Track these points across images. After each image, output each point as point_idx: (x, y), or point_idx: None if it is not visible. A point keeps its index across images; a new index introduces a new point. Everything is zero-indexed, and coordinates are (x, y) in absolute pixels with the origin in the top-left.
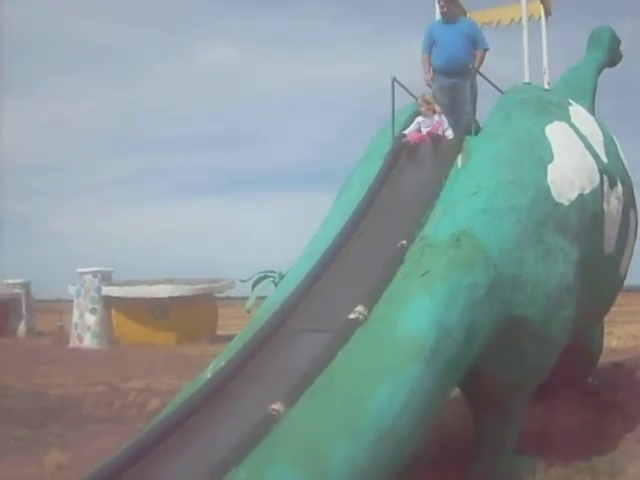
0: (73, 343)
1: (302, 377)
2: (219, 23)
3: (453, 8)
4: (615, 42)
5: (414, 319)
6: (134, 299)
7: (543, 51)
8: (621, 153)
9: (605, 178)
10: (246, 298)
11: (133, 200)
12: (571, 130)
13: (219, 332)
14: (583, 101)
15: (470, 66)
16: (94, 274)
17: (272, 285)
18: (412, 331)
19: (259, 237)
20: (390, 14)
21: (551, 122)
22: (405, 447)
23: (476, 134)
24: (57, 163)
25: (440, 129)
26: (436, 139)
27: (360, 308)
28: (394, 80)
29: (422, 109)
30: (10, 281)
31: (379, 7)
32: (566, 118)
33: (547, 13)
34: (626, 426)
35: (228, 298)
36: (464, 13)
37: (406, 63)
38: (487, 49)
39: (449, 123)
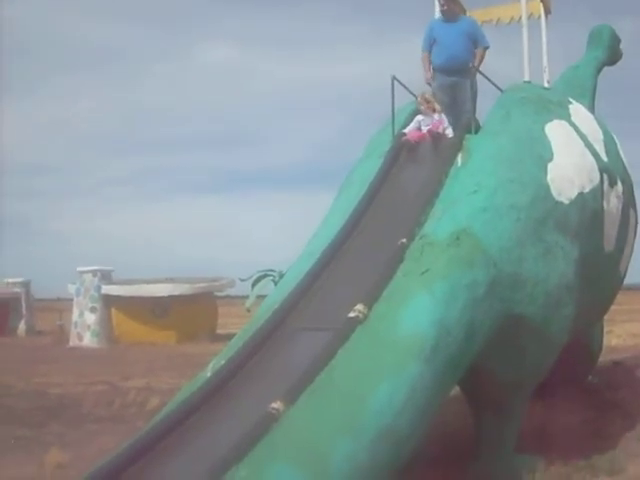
0: (73, 342)
1: (302, 376)
2: (219, 23)
3: (453, 6)
4: (615, 41)
5: (414, 317)
6: (134, 298)
7: (543, 49)
8: (621, 152)
9: (605, 177)
10: (246, 297)
11: (133, 200)
12: (571, 129)
13: (219, 331)
14: (583, 99)
15: (470, 64)
16: (94, 273)
17: (272, 284)
18: (412, 329)
19: (259, 236)
20: (390, 14)
21: (551, 121)
22: (405, 445)
23: (476, 132)
24: (57, 163)
25: (440, 127)
26: (436, 137)
27: (360, 306)
28: (394, 78)
29: (422, 108)
30: (10, 280)
31: (379, 7)
32: (566, 117)
33: (547, 11)
34: (626, 425)
35: (228, 297)
36: (464, 11)
37: (406, 62)
38: (487, 47)
39: (449, 121)
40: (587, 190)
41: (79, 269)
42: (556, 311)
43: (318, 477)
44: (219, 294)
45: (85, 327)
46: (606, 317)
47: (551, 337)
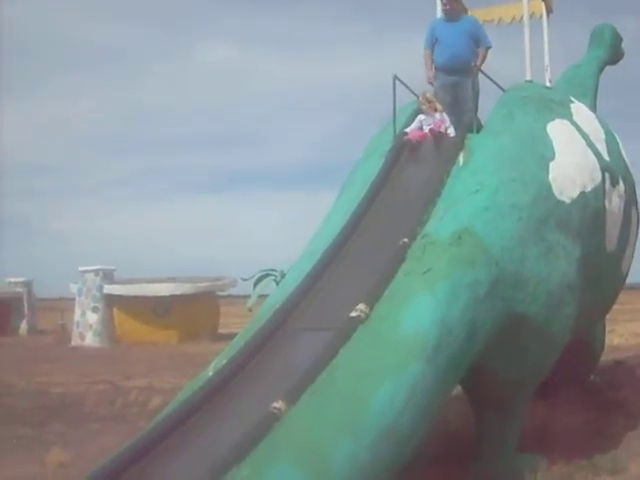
0: (75, 341)
1: (303, 375)
2: (219, 23)
3: (455, 6)
4: (617, 40)
5: (416, 317)
6: (136, 297)
7: (545, 49)
8: (623, 151)
9: (607, 176)
10: (248, 296)
11: (133, 200)
12: (573, 128)
13: (221, 330)
14: (585, 99)
15: (472, 64)
16: (96, 272)
17: (274, 283)
18: (414, 329)
19: (259, 236)
20: (390, 14)
21: (553, 120)
22: (407, 445)
23: (478, 132)
24: (57, 163)
25: (442, 127)
26: (438, 137)
27: (362, 306)
28: (395, 78)
29: (423, 107)
30: (12, 280)
31: (379, 7)
32: (568, 116)
33: (549, 11)
34: (628, 424)
35: (230, 296)
36: (466, 11)
37: (406, 62)
38: (489, 47)
39: (451, 121)
40: (589, 189)
41: (81, 269)
42: (558, 310)
43: (319, 477)
44: (221, 293)
45: (87, 326)
46: (608, 316)
47: (553, 336)
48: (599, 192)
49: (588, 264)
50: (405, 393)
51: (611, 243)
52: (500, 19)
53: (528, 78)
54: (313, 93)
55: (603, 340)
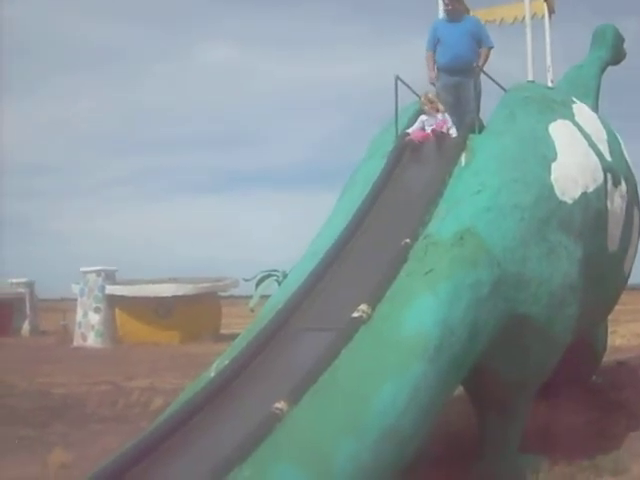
0: (77, 342)
1: (306, 376)
2: (219, 23)
3: (458, 6)
4: (619, 40)
5: (418, 317)
6: (138, 298)
7: (547, 49)
8: (625, 151)
9: (609, 176)
10: (250, 297)
11: (133, 200)
12: (575, 128)
13: (223, 331)
14: (587, 99)
15: (474, 64)
16: (98, 273)
17: (275, 284)
18: (416, 329)
19: (259, 236)
20: (390, 14)
21: (555, 120)
22: (409, 445)
23: (480, 132)
24: (57, 163)
25: (444, 127)
26: (440, 137)
27: (364, 307)
28: (397, 78)
29: (425, 108)
30: (14, 280)
31: (379, 7)
32: (570, 116)
33: (551, 11)
34: (630, 425)
35: (232, 297)
36: (467, 11)
37: (406, 62)
38: (492, 47)
39: (453, 121)
40: (591, 190)
41: (83, 269)
42: (560, 311)
43: (321, 477)
44: (223, 294)
45: (89, 327)
46: (610, 317)
47: (555, 337)
48: (601, 192)
49: (590, 265)
50: (407, 393)
51: (613, 244)
52: (502, 19)
53: (530, 78)
54: (313, 93)
55: (605, 341)
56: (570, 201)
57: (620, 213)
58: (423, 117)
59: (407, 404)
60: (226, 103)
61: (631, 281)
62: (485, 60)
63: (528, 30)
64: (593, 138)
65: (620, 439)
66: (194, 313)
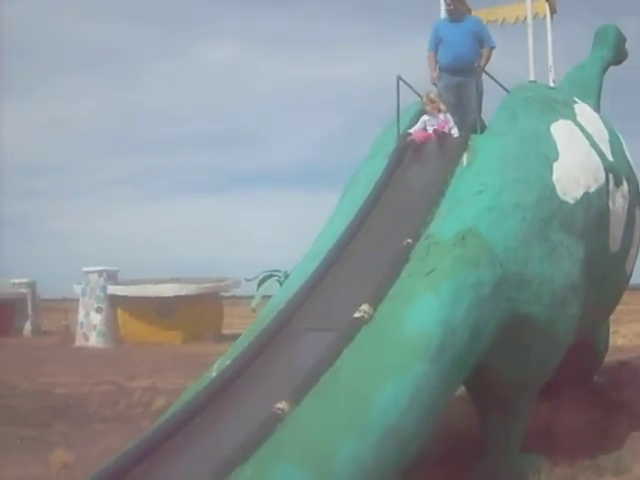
0: (79, 342)
1: (307, 376)
2: (219, 23)
3: (459, 6)
4: (620, 40)
5: (420, 317)
6: (140, 298)
7: (548, 49)
8: (626, 151)
9: (610, 176)
10: (251, 297)
11: (133, 200)
12: (576, 128)
13: (225, 331)
14: (588, 99)
15: (476, 64)
16: (99, 273)
17: (277, 284)
18: (418, 329)
19: (259, 236)
20: (390, 14)
21: (556, 120)
22: (411, 445)
23: (482, 132)
24: (57, 163)
25: (446, 127)
26: (441, 137)
27: (365, 307)
28: (399, 78)
29: (427, 108)
30: (16, 281)
31: (379, 7)
32: (571, 116)
33: (552, 11)
34: (632, 425)
35: (234, 297)
36: (469, 11)
37: (407, 62)
38: (493, 47)
39: (455, 121)
40: (593, 190)
41: (85, 269)
42: (562, 311)
43: (323, 477)
44: (225, 294)
45: (91, 327)
46: (612, 317)
47: (557, 337)
48: (603, 192)
49: (592, 264)
50: (409, 393)
51: (615, 243)
52: (504, 19)
53: (532, 78)
54: (313, 93)
55: (607, 341)
56: (572, 201)
57: (622, 213)
58: (425, 117)
59: (409, 404)
60: (226, 103)
61: (633, 281)
62: (487, 60)
63: (530, 30)
64: (595, 138)
65: (622, 439)
66: (196, 313)
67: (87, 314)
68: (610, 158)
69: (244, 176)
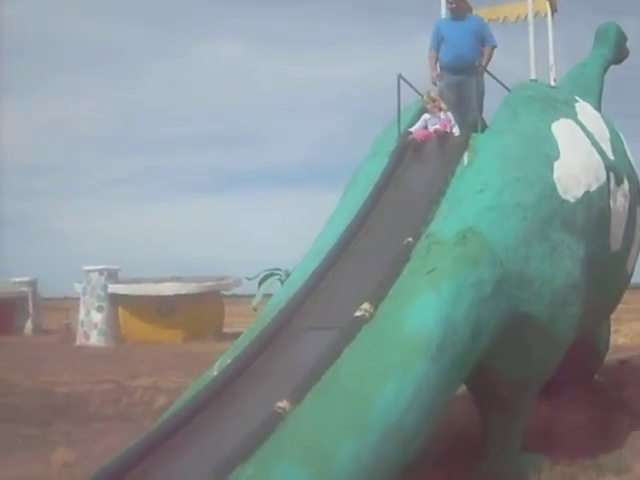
0: (80, 341)
1: (308, 375)
2: (219, 23)
3: (461, 5)
4: (621, 38)
5: (420, 316)
6: (140, 297)
7: (549, 48)
8: (627, 150)
9: (611, 175)
10: (252, 296)
11: (133, 200)
12: (577, 127)
13: (226, 330)
14: (589, 98)
15: (477, 63)
16: (100, 272)
17: (278, 283)
18: (418, 328)
19: (259, 236)
20: (390, 14)
21: (557, 119)
22: (411, 444)
23: (482, 131)
24: (57, 163)
25: (447, 126)
26: (442, 136)
27: (366, 305)
28: (400, 77)
29: (428, 106)
30: (17, 279)
31: (379, 7)
32: (572, 115)
33: (553, 10)
34: (633, 423)
35: (234, 296)
36: (470, 10)
37: (407, 62)
38: (495, 46)
39: (456, 120)
40: (593, 189)
41: (85, 268)
42: (562, 310)
43: (324, 476)
44: (226, 293)
45: (92, 326)
46: (613, 316)
47: (557, 336)
48: (604, 191)
49: (593, 263)
50: (410, 392)
51: (616, 242)
52: (505, 18)
53: (533, 77)
54: (313, 93)
55: (608, 340)
56: (573, 200)
57: (623, 212)
58: (426, 116)
59: (410, 403)
60: (226, 103)
61: (634, 280)
62: (488, 59)
63: (531, 29)
64: (596, 137)
65: (622, 438)
66: (197, 312)
67: (88, 313)
68: (611, 157)
69: (244, 176)
